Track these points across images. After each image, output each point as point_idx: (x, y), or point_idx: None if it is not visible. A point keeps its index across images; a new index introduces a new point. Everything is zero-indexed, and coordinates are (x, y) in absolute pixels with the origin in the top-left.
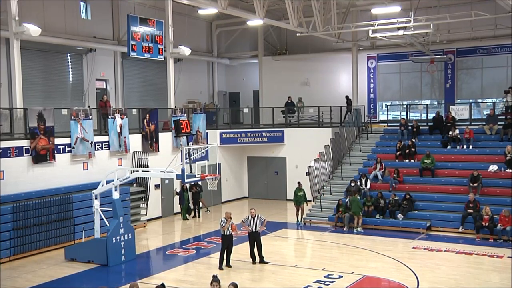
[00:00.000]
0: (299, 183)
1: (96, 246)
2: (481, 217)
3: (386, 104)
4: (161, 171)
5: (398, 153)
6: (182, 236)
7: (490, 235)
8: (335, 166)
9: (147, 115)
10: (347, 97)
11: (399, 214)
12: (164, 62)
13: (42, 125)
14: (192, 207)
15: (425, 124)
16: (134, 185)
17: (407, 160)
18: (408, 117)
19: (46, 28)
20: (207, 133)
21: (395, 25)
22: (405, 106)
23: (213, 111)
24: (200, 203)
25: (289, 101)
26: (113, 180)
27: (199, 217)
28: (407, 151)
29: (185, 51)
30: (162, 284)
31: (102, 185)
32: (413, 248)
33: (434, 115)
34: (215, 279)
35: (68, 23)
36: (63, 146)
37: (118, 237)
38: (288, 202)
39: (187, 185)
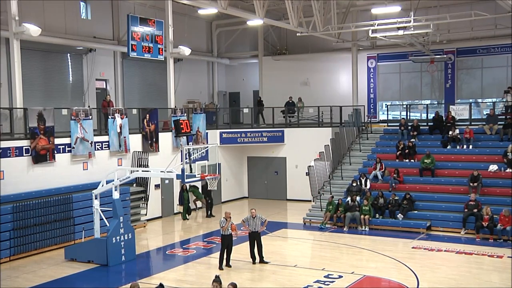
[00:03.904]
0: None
1: (96, 246)
2: (481, 217)
3: (386, 104)
4: (161, 171)
5: (398, 153)
6: (182, 236)
7: (490, 235)
8: (335, 166)
9: (147, 115)
10: (259, 98)
11: (399, 214)
12: (164, 62)
13: (42, 125)
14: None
15: (425, 124)
16: (134, 185)
17: (407, 160)
18: (408, 117)
19: (46, 28)
20: (207, 133)
21: (395, 25)
22: (405, 106)
23: (213, 111)
24: (201, 203)
25: (290, 101)
26: (113, 180)
27: (211, 215)
28: (407, 151)
29: (185, 51)
30: (161, 284)
31: (102, 185)
32: (413, 248)
33: (433, 115)
34: (216, 279)
35: (68, 23)
36: (63, 146)
37: (118, 237)
38: (288, 202)
39: (191, 184)
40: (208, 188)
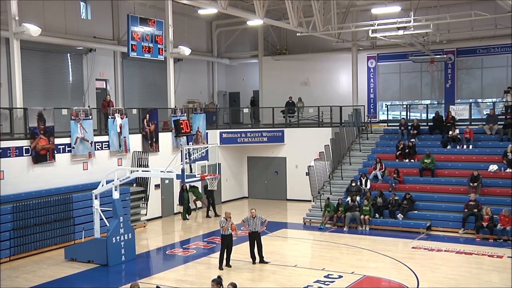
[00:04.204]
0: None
1: (96, 246)
2: (481, 217)
3: (386, 104)
4: (161, 171)
5: (398, 153)
6: (182, 236)
7: (490, 235)
8: (335, 166)
9: (147, 115)
10: (252, 98)
11: (399, 214)
12: (164, 62)
13: (42, 125)
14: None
15: (425, 124)
16: (134, 185)
17: (407, 160)
18: (408, 117)
19: (46, 28)
20: (207, 133)
21: (395, 25)
22: (405, 106)
23: (213, 111)
24: (201, 203)
25: (290, 101)
26: (113, 180)
27: (217, 214)
28: (407, 150)
29: (185, 51)
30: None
31: (102, 185)
32: (413, 248)
33: (433, 115)
34: (216, 279)
35: (68, 23)
36: (63, 146)
37: (118, 237)
38: (288, 202)
39: (191, 184)
40: (209, 188)
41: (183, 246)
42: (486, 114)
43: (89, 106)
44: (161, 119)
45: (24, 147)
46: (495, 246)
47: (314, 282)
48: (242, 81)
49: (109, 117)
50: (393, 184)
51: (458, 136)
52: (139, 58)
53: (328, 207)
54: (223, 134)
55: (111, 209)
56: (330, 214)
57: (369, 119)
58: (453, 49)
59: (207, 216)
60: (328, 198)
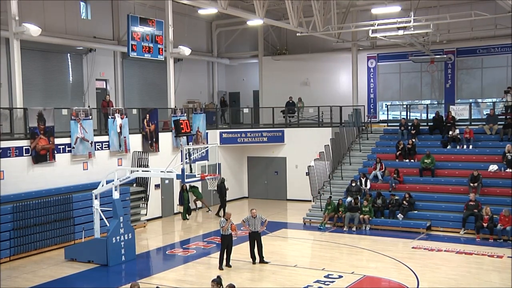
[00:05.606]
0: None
1: (96, 246)
2: (481, 217)
3: (386, 104)
4: (161, 171)
5: (398, 153)
6: (182, 236)
7: (490, 235)
8: (335, 166)
9: (147, 115)
10: (223, 97)
11: (399, 214)
12: (164, 62)
13: (42, 125)
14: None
15: (425, 124)
16: (134, 185)
17: (407, 160)
18: (408, 117)
19: (46, 28)
20: (207, 133)
21: (395, 25)
22: (405, 106)
23: (213, 111)
24: (201, 203)
25: (290, 101)
26: (113, 180)
27: (218, 215)
28: (408, 146)
29: (185, 51)
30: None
31: (102, 185)
32: (413, 248)
33: (434, 115)
34: (216, 279)
35: (68, 23)
36: (63, 146)
37: (118, 237)
38: (288, 202)
39: (191, 184)
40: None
41: (183, 246)
42: (486, 114)
43: (89, 106)
44: (161, 119)
45: (24, 147)
46: (495, 246)
47: (314, 282)
48: (242, 81)
49: (109, 117)
50: (393, 184)
51: (458, 136)
52: (139, 58)
53: (329, 205)
54: (223, 134)
55: (111, 209)
56: (329, 213)
57: (369, 119)
58: (453, 49)
59: (219, 215)
60: (330, 197)
